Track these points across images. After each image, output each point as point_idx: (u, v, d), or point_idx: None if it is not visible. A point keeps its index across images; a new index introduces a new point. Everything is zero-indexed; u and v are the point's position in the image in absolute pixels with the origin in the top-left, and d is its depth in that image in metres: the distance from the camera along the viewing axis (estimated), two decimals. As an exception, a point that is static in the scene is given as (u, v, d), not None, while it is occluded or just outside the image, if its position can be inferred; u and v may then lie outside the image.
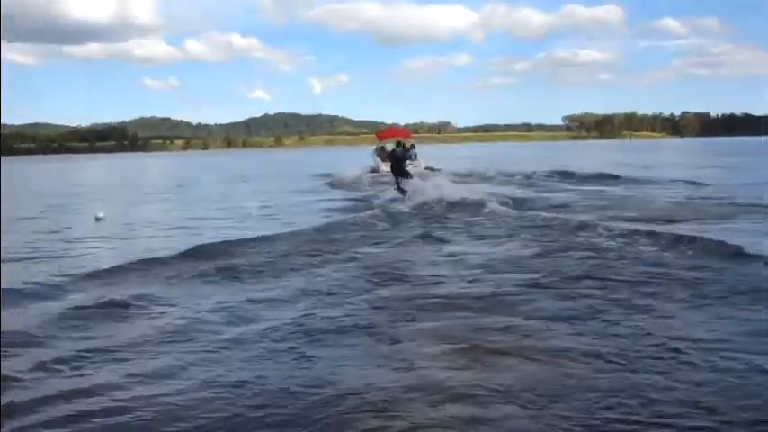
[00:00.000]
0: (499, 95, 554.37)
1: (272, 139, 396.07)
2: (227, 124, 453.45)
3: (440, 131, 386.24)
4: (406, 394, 6.74)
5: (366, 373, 7.30)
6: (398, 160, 29.54)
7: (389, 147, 43.54)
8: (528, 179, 37.58)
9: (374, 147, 50.23)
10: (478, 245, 14.85)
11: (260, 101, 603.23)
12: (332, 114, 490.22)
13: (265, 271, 12.47)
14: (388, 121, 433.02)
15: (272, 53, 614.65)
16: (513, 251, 13.67)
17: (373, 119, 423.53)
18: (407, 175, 29.03)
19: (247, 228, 19.27)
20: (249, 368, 7.58)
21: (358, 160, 52.79)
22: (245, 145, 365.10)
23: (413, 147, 43.93)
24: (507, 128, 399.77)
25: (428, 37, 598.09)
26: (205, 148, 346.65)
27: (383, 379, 7.14)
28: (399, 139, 39.47)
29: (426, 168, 42.94)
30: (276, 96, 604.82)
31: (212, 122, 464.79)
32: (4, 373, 7.50)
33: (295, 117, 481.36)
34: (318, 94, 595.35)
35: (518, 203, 22.70)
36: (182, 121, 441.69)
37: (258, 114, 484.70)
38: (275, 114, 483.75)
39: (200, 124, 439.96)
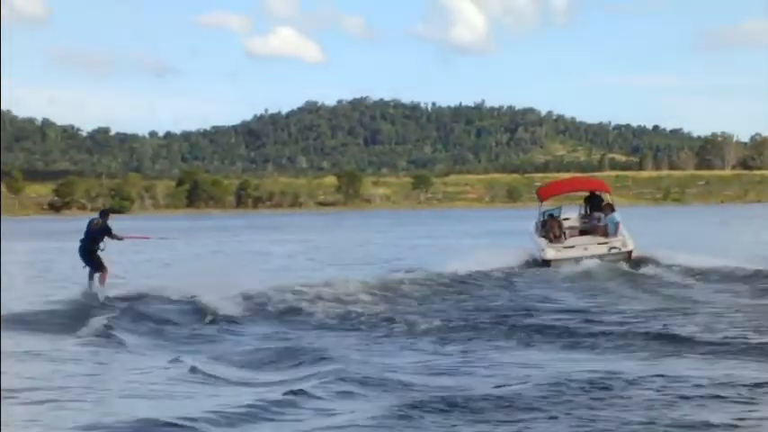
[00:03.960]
0: None
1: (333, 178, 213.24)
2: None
3: None
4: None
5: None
6: (93, 236, 22.21)
7: (574, 215, 32.50)
8: None
9: (538, 214, 31.99)
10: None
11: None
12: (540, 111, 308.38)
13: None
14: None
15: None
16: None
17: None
18: (97, 264, 22.25)
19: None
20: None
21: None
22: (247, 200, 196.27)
23: (610, 207, 30.65)
24: None
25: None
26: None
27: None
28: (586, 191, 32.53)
29: (634, 260, 28.76)
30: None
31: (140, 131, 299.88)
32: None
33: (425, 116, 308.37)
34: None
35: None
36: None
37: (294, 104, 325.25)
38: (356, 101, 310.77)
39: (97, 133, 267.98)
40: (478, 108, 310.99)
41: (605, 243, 29.02)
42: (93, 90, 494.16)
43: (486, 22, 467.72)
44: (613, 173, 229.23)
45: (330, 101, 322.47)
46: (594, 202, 31.89)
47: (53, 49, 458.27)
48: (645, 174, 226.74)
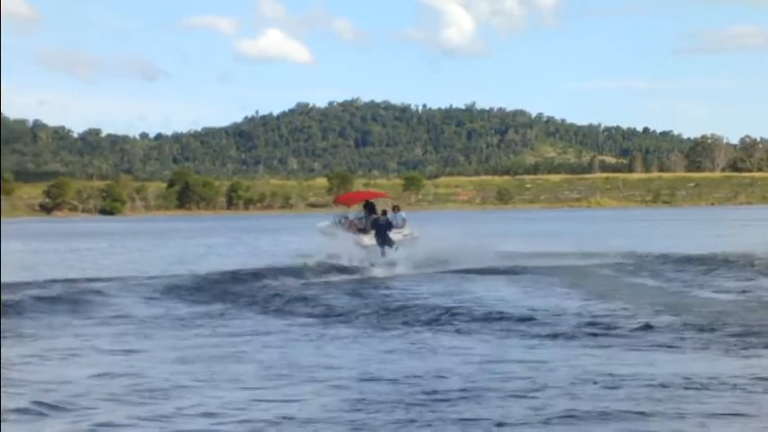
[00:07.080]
0: None
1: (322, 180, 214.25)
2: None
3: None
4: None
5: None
6: (383, 226, 36.38)
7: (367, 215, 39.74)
8: None
9: (331, 218, 41.79)
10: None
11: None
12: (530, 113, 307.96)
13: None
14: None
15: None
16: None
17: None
18: (389, 241, 36.03)
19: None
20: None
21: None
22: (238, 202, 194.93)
23: (398, 207, 40.74)
24: None
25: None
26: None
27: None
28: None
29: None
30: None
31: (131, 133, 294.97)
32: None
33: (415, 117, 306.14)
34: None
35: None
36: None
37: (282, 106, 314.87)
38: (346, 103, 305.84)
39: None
40: (469, 110, 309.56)
41: (400, 232, 37.83)
42: (83, 92, 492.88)
43: (474, 24, 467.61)
44: (603, 175, 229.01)
45: (321, 102, 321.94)
46: (370, 207, 39.86)
47: (43, 50, 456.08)
48: (635, 176, 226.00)
